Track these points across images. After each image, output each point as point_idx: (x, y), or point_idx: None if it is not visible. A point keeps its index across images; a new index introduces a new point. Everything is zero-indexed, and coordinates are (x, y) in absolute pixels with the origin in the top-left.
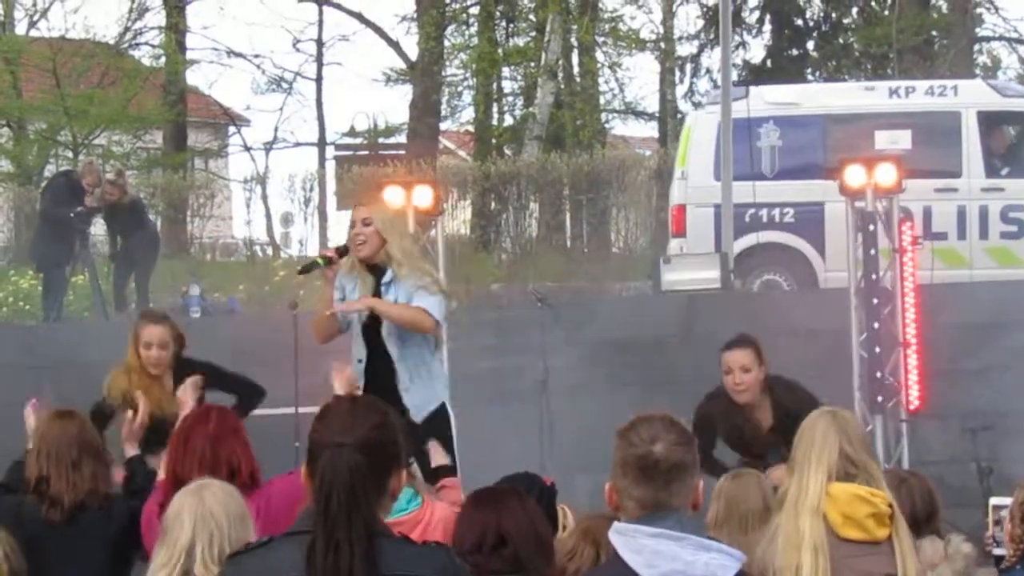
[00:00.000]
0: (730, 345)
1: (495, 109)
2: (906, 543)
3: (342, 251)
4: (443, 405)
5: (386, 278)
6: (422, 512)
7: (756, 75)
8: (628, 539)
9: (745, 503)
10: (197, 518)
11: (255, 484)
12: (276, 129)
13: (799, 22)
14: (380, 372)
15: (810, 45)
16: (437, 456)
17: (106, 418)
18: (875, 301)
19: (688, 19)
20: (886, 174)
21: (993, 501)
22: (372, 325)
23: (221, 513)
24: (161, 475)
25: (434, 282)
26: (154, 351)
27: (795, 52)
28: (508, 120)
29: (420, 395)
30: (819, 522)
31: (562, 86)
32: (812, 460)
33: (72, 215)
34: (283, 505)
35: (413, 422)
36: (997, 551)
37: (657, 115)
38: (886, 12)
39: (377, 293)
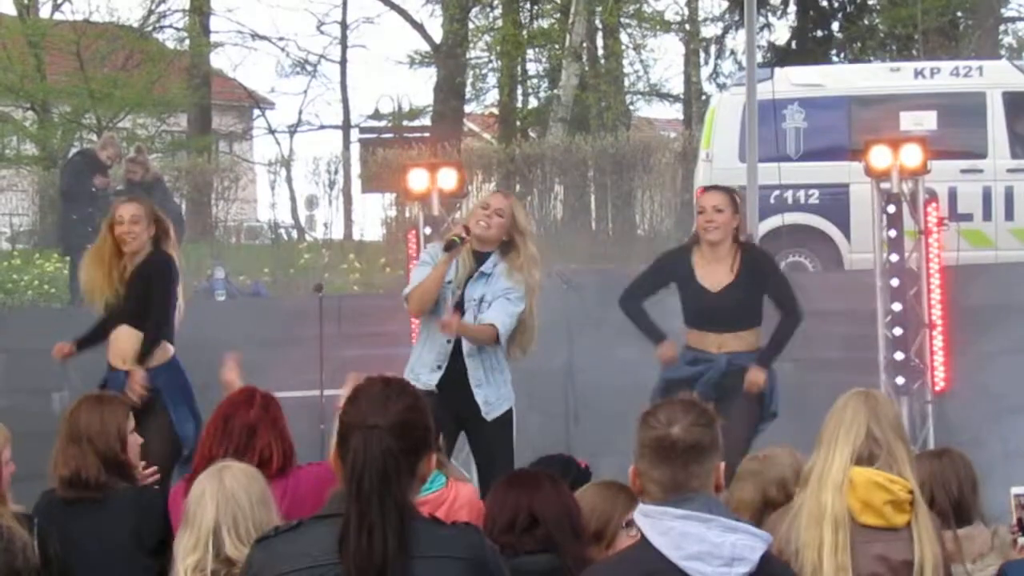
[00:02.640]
0: (707, 189)
1: (520, 91)
2: (926, 530)
3: (467, 231)
4: (511, 410)
5: (486, 268)
6: (446, 492)
7: (781, 56)
8: (655, 521)
9: (771, 484)
10: (220, 501)
11: (284, 475)
12: (300, 112)
13: (824, 3)
14: (456, 365)
15: (835, 26)
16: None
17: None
18: (900, 282)
19: (713, 0)
20: (911, 155)
21: (1015, 490)
22: (465, 304)
23: (243, 495)
24: None
25: (523, 295)
26: (126, 226)
27: (820, 33)
28: (533, 102)
29: (495, 394)
30: (841, 498)
31: (587, 68)
32: (839, 437)
33: (94, 189)
34: (310, 488)
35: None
36: (1023, 539)
37: (682, 97)
38: None
39: (470, 276)
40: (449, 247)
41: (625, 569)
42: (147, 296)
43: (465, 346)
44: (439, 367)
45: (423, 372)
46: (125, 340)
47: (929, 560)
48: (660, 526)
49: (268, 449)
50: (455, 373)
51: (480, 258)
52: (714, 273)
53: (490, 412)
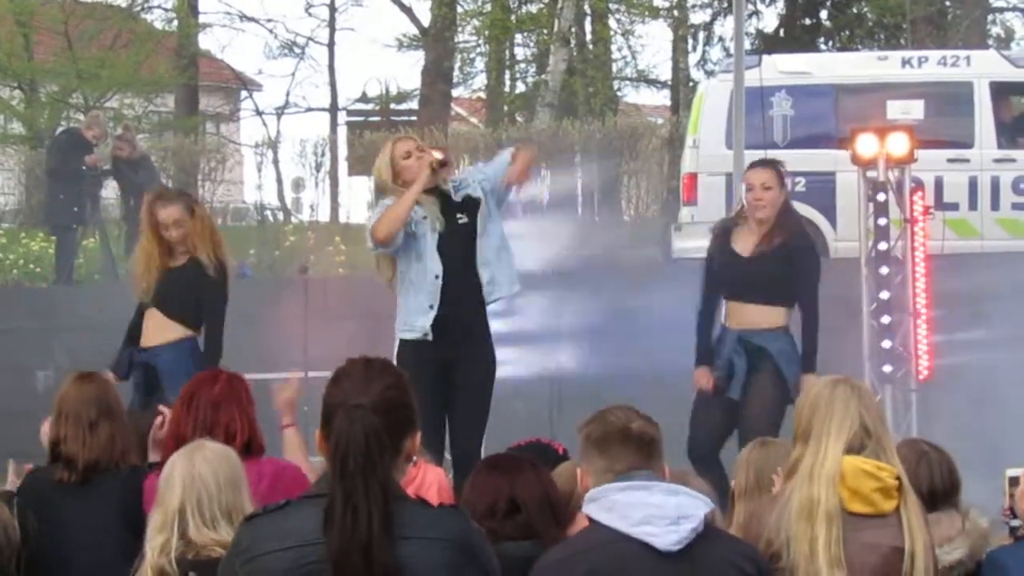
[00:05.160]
0: (753, 165)
1: (507, 76)
2: (915, 515)
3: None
4: (494, 369)
5: (455, 182)
6: (414, 471)
7: (769, 44)
8: (599, 502)
9: (774, 471)
10: (187, 481)
11: (252, 452)
12: (288, 94)
13: None
14: (460, 283)
15: (823, 15)
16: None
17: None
18: (886, 271)
19: None
20: (898, 144)
21: (1009, 472)
22: (448, 237)
23: (210, 476)
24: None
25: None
26: (173, 232)
27: (808, 21)
28: (520, 87)
29: (502, 274)
30: (834, 492)
31: (575, 53)
32: (832, 430)
33: (84, 168)
34: (288, 481)
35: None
36: (1014, 522)
37: (669, 83)
38: None
39: (447, 208)
40: (443, 164)
41: (575, 550)
42: None
43: (480, 226)
44: (431, 307)
45: (418, 317)
46: None
47: (920, 545)
48: (605, 504)
49: (233, 424)
50: (466, 290)
51: (436, 192)
52: (750, 240)
53: (493, 291)
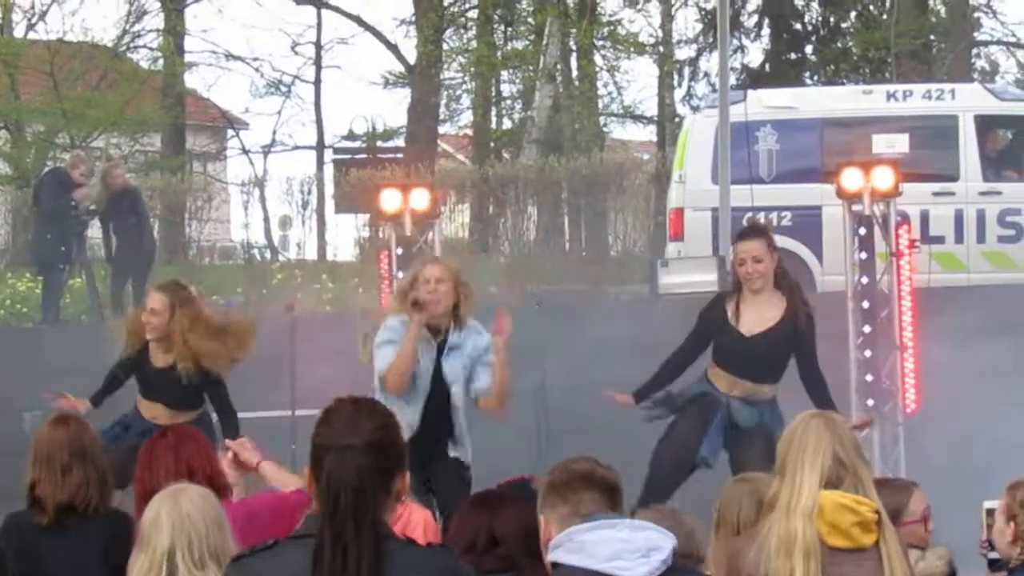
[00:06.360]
0: (742, 235)
1: (493, 112)
2: (894, 549)
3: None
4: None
5: (453, 341)
6: (401, 510)
7: (754, 79)
8: (565, 545)
9: (733, 511)
10: (175, 522)
11: (217, 492)
12: (274, 132)
13: (797, 26)
14: (431, 436)
15: (808, 49)
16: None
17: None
18: (871, 304)
19: (686, 23)
20: (883, 178)
21: (986, 505)
22: (439, 390)
23: (199, 517)
24: None
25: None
26: (146, 316)
27: (793, 56)
28: (506, 123)
29: (464, 453)
30: (812, 526)
31: (560, 89)
32: (806, 463)
33: (73, 203)
34: (265, 521)
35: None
36: (992, 555)
37: (655, 119)
38: (884, 16)
39: (439, 354)
40: (415, 304)
41: None
42: None
43: (457, 406)
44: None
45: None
46: None
47: None
48: (571, 546)
49: (195, 460)
50: (434, 442)
51: (436, 328)
52: (752, 317)
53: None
